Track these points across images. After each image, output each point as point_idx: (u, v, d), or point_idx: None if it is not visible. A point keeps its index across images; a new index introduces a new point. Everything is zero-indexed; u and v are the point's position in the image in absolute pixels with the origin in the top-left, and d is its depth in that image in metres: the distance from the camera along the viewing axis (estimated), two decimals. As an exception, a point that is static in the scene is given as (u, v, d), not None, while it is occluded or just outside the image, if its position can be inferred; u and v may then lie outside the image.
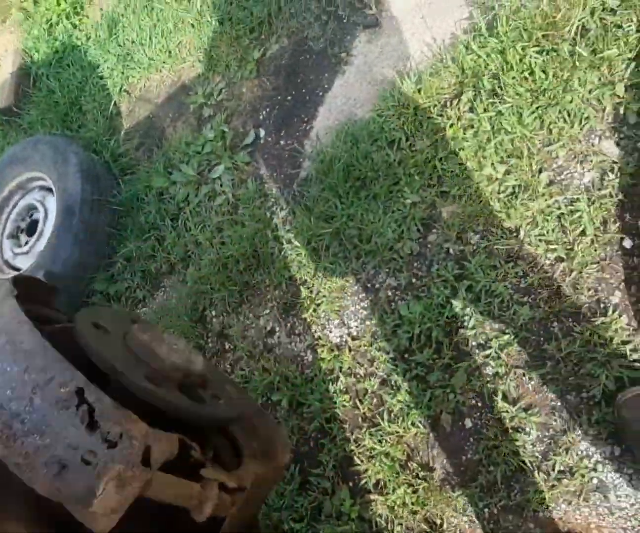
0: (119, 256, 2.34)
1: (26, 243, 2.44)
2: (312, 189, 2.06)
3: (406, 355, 1.71)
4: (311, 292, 1.93)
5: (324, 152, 2.07)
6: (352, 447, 1.68)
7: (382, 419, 1.68)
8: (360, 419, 1.72)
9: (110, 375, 0.69)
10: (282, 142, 2.30)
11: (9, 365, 0.65)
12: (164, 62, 2.81)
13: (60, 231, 2.20)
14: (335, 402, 1.75)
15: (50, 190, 2.44)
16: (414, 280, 1.79)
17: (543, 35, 1.83)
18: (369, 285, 1.86)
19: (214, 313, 2.08)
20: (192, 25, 2.77)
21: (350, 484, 1.66)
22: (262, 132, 2.38)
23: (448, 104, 1.94)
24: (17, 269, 2.39)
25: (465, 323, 1.66)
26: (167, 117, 2.71)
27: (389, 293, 1.81)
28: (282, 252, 2.01)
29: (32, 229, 2.47)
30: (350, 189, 1.97)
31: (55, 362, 0.64)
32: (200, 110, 2.59)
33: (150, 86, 2.85)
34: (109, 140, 2.68)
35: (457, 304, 1.68)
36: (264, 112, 2.41)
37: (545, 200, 1.67)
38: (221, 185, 2.31)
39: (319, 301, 1.90)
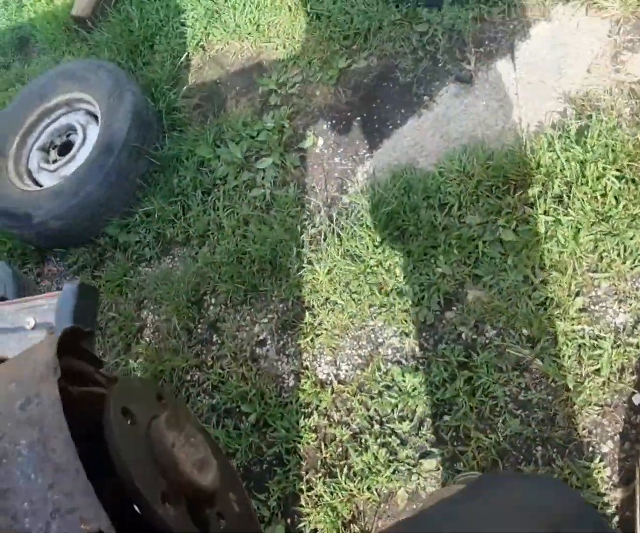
0: (140, 209, 2.62)
1: (54, 161, 2.75)
2: (350, 219, 2.29)
3: (384, 420, 1.91)
4: (314, 319, 2.15)
5: (374, 190, 2.31)
6: (302, 487, 1.89)
7: (341, 472, 1.88)
8: (319, 463, 1.92)
9: (126, 486, 0.77)
10: (336, 160, 2.56)
11: (35, 472, 0.66)
12: (249, 33, 3.12)
13: (93, 164, 2.49)
14: (301, 437, 1.96)
15: (96, 118, 2.74)
16: (417, 349, 2.00)
17: (628, 164, 2.04)
18: (372, 336, 2.08)
19: (213, 301, 2.33)
20: (289, 9, 3.07)
21: (289, 521, 1.87)
22: (320, 141, 2.64)
23: (511, 191, 2.16)
24: (38, 184, 2.69)
25: (452, 412, 1.86)
26: (233, 88, 3.01)
27: (389, 352, 2.03)
28: (300, 271, 2.25)
29: (65, 149, 2.78)
30: (388, 236, 2.20)
31: (83, 494, 0.66)
32: (268, 96, 2.87)
33: (228, 52, 3.16)
34: (169, 89, 2.98)
35: (451, 390, 1.88)
36: (329, 123, 2.68)
37: (572, 324, 1.87)
38: (263, 179, 2.57)
39: (319, 332, 2.13)
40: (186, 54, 3.17)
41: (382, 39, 2.79)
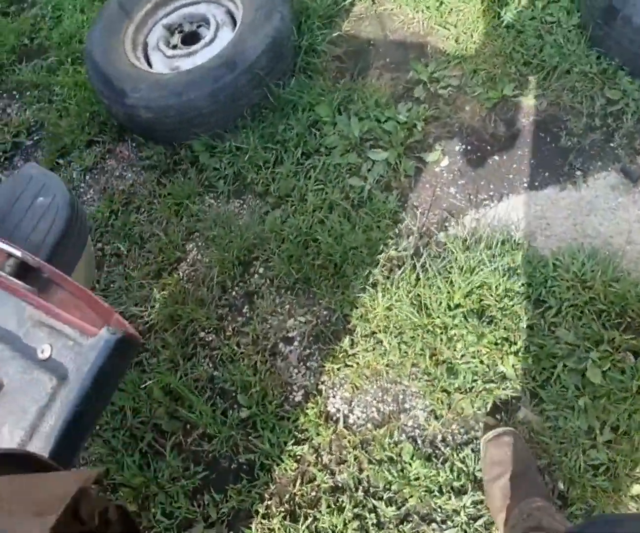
0: (233, 139, 2.72)
1: (174, 47, 2.88)
2: (436, 264, 2.28)
3: (371, 492, 1.93)
4: (351, 347, 2.18)
5: (476, 248, 2.28)
6: (260, 511, 1.95)
7: (304, 520, 1.92)
8: (287, 496, 1.97)
9: None
10: (452, 190, 2.53)
11: None
12: (427, 7, 3.10)
13: (209, 72, 2.58)
14: (282, 460, 2.01)
15: (234, 24, 2.84)
16: (439, 439, 1.99)
17: None
18: (401, 397, 2.09)
19: (261, 271, 2.41)
20: (481, 1, 3.03)
21: (230, 535, 1.95)
22: (445, 161, 2.61)
23: (622, 328, 2.07)
24: (149, 62, 2.84)
25: (445, 527, 1.85)
26: (383, 58, 3.01)
27: (409, 424, 2.03)
28: (361, 291, 2.27)
29: (189, 39, 2.91)
30: (468, 304, 2.17)
31: None
32: (415, 85, 2.86)
33: (396, 16, 3.16)
34: (319, 28, 3.03)
35: (454, 503, 1.87)
36: (464, 147, 2.64)
37: (618, 508, 1.80)
38: (369, 171, 2.59)
39: (350, 363, 2.15)
40: (353, -4, 3.21)
41: (565, 85, 2.70)
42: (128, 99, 2.58)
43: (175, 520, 1.98)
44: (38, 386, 1.04)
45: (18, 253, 1.18)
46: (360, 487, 1.96)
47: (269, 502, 1.98)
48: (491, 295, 2.18)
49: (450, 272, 2.25)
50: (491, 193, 2.51)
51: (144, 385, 2.17)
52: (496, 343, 2.11)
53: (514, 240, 2.32)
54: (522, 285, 2.20)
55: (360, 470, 1.98)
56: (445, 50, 2.96)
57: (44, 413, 1.03)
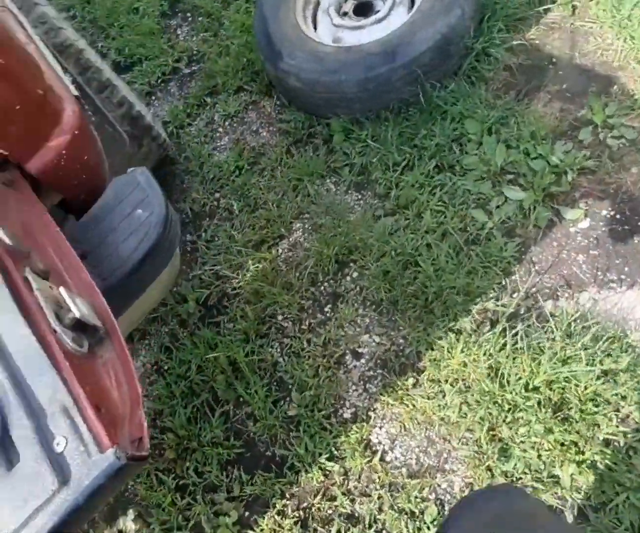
0: (372, 130, 2.80)
1: (344, 15, 2.95)
2: (530, 337, 2.25)
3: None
4: (413, 387, 2.27)
5: (577, 340, 2.23)
6: (278, 507, 2.16)
7: (312, 533, 2.11)
8: (305, 504, 2.17)
9: None
10: (580, 257, 2.42)
11: None
12: (632, 37, 2.89)
13: (367, 57, 2.63)
14: (311, 468, 2.19)
15: (411, 7, 2.85)
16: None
17: None
18: (444, 455, 2.17)
19: (354, 275, 2.54)
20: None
21: (245, 515, 2.20)
22: (585, 224, 2.50)
23: None
24: (315, 26, 2.93)
25: None
26: (558, 83, 2.85)
27: (443, 486, 2.12)
28: (444, 334, 2.32)
29: (362, 10, 2.96)
30: (546, 392, 2.15)
31: None
32: (583, 126, 2.71)
33: (592, 35, 2.97)
34: (501, 30, 2.93)
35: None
36: (610, 213, 2.49)
37: None
38: (497, 208, 2.55)
39: (406, 402, 2.25)
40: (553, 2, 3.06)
41: None
42: (282, 63, 2.73)
43: (203, 481, 2.26)
44: (43, 483, 1.09)
45: (77, 314, 1.24)
46: (374, 527, 2.10)
47: (287, 502, 2.18)
48: (576, 394, 2.15)
49: (541, 352, 2.23)
50: (623, 276, 2.40)
51: (213, 355, 2.41)
52: (562, 444, 2.10)
53: (627, 341, 2.23)
54: (615, 394, 2.13)
55: (380, 510, 2.11)
56: (633, 93, 2.78)
57: (38, 512, 1.09)
